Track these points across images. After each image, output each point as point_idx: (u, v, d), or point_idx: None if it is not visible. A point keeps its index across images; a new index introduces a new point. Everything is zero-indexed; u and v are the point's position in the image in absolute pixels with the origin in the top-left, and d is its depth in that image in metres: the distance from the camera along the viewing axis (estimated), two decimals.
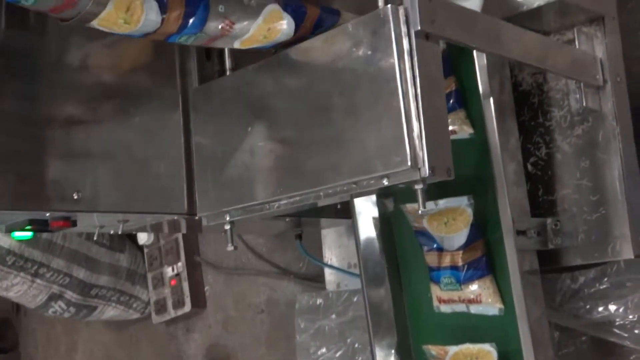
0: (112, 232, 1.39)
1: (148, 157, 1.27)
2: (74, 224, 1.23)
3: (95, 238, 1.88)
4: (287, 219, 1.52)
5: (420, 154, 1.00)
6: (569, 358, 1.54)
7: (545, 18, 1.38)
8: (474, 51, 1.33)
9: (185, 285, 2.41)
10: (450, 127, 1.36)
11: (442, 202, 1.36)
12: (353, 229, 1.57)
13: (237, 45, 1.11)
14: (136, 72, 1.31)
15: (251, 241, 2.28)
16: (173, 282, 2.44)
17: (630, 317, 1.45)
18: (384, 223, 1.54)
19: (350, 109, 1.08)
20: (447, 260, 1.39)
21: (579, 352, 1.54)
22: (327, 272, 1.89)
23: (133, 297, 2.56)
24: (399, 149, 1.00)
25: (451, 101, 1.37)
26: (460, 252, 1.36)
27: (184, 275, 2.42)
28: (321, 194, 1.12)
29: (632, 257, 1.33)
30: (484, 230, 1.36)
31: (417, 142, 1.00)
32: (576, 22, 1.40)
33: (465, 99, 1.38)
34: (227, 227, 1.28)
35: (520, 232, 1.34)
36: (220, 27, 1.06)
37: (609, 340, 1.48)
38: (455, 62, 1.38)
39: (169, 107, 1.32)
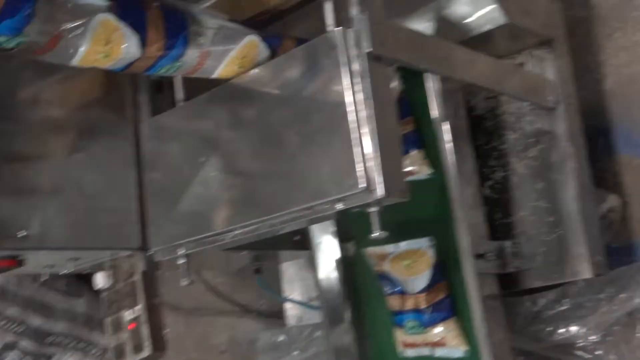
0: (64, 271, 1.34)
1: (98, 191, 1.24)
2: (21, 263, 1.19)
3: (42, 280, 1.82)
4: (244, 252, 1.49)
5: (374, 176, 0.98)
6: None
7: (496, 42, 1.39)
8: (427, 75, 1.34)
9: (145, 329, 2.33)
10: (410, 168, 1.36)
11: (403, 244, 1.35)
12: (312, 261, 1.55)
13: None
14: (86, 105, 1.28)
15: (212, 280, 2.24)
16: (132, 326, 2.37)
17: (592, 338, 1.44)
18: (346, 266, 1.53)
19: (303, 134, 1.06)
20: (410, 304, 1.37)
21: None
22: (288, 307, 1.86)
23: (91, 344, 2.48)
24: (352, 171, 0.99)
25: (410, 142, 1.37)
26: (424, 294, 1.34)
27: (143, 318, 2.34)
28: (276, 221, 1.10)
29: (591, 276, 1.33)
30: (446, 271, 1.35)
31: (370, 164, 0.99)
32: (526, 46, 1.42)
33: (423, 140, 1.37)
34: (182, 260, 1.25)
35: (478, 256, 1.33)
36: (197, 57, 1.05)
37: None
38: (413, 103, 1.38)
39: (120, 140, 1.29)
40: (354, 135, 0.99)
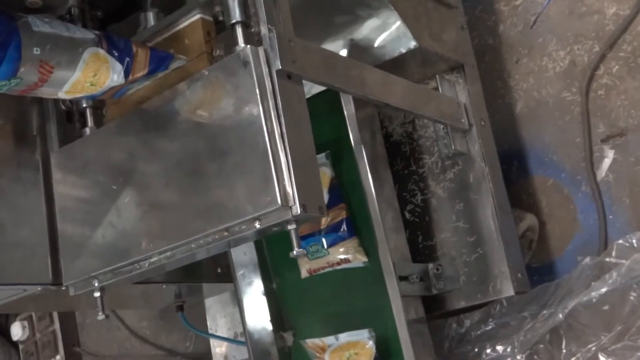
0: None
1: (6, 225, 1.19)
2: None
3: None
4: (164, 286, 1.45)
5: (290, 192, 0.97)
6: None
7: (408, 67, 1.42)
8: (350, 134, 1.35)
9: None
10: (344, 256, 1.37)
11: (343, 336, 1.35)
12: (236, 294, 1.51)
13: (62, 94, 1.07)
14: None
15: (135, 325, 2.17)
16: None
17: (518, 357, 1.44)
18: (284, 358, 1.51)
19: (217, 155, 1.05)
20: None
21: None
22: (214, 345, 1.81)
23: None
24: (268, 189, 0.98)
25: (343, 229, 1.37)
26: None
27: None
28: (193, 245, 1.07)
29: (513, 294, 1.34)
30: None
31: (286, 181, 0.98)
32: (438, 71, 1.44)
33: (357, 227, 1.38)
34: (97, 294, 1.20)
35: (402, 278, 1.33)
36: (37, 72, 1.02)
37: None
38: (345, 188, 1.39)
39: (29, 172, 1.25)
40: (269, 153, 0.98)
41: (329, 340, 1.35)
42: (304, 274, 1.42)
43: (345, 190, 1.39)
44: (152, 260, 1.12)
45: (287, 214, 0.98)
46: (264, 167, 0.98)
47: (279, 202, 0.96)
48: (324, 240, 1.37)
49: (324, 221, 1.37)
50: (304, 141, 1.02)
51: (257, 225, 1.00)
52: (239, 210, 1.01)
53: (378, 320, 1.34)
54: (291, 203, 0.97)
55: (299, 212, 0.97)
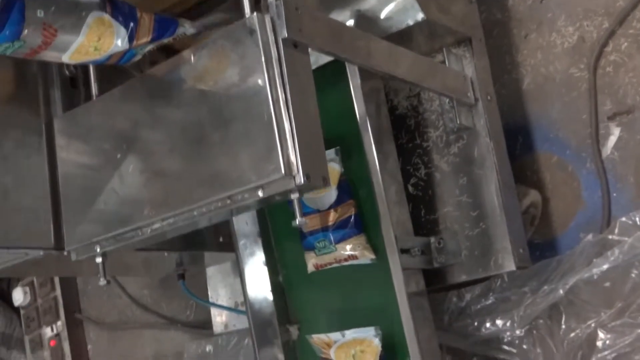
0: None
1: (9, 189, 1.19)
2: None
3: None
4: (166, 253, 1.45)
5: (294, 161, 0.97)
6: None
7: (415, 39, 1.40)
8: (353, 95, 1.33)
9: (66, 346, 2.26)
10: (351, 252, 1.35)
11: (349, 333, 1.34)
12: (237, 264, 1.52)
13: (66, 59, 1.06)
14: None
15: (135, 293, 2.18)
16: (52, 343, 2.29)
17: (517, 332, 1.45)
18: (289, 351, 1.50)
19: (221, 123, 1.04)
20: None
21: None
22: (214, 314, 1.81)
23: None
24: (271, 157, 0.97)
25: (351, 225, 1.36)
26: None
27: (64, 334, 2.27)
28: (195, 212, 1.07)
29: (514, 269, 1.34)
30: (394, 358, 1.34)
31: (290, 150, 0.97)
32: (445, 44, 1.43)
33: (365, 223, 1.37)
34: (99, 260, 1.20)
35: (404, 251, 1.33)
36: (41, 34, 1.01)
37: (500, 358, 1.47)
38: (353, 185, 1.38)
39: (32, 137, 1.25)
40: (273, 121, 0.98)
41: (335, 336, 1.34)
42: (310, 268, 1.41)
43: (355, 186, 1.38)
44: (155, 227, 1.12)
45: (290, 183, 0.97)
46: (268, 135, 0.98)
47: (283, 171, 0.96)
48: (331, 236, 1.36)
49: (332, 217, 1.36)
50: (309, 111, 1.01)
51: (260, 193, 1.00)
52: (242, 179, 1.01)
53: (384, 318, 1.33)
54: (294, 172, 0.97)
55: (302, 181, 0.96)
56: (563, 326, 1.41)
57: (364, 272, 1.37)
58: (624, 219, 1.35)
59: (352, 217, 1.35)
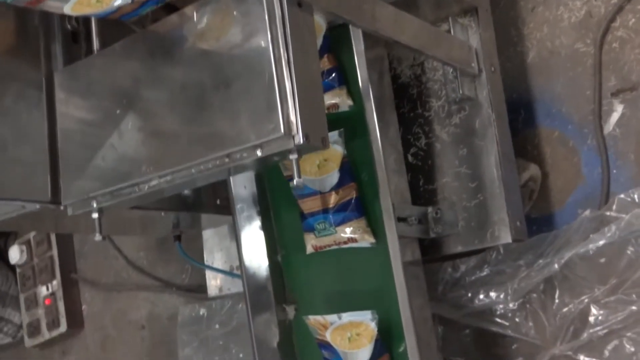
0: None
1: (8, 141, 1.18)
2: None
3: None
4: (163, 213, 1.45)
5: (294, 121, 0.96)
6: (454, 355, 1.53)
7: (422, 7, 1.40)
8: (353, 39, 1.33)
9: (61, 305, 2.27)
10: (351, 235, 1.35)
11: (346, 316, 1.33)
12: (234, 227, 1.52)
13: (67, 9, 1.04)
14: None
15: (132, 255, 2.18)
16: (47, 302, 2.30)
17: (511, 305, 1.45)
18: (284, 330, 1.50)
19: (222, 81, 1.03)
20: None
21: (463, 346, 1.54)
22: (209, 277, 1.82)
23: (3, 320, 2.38)
24: (271, 116, 0.96)
25: (352, 208, 1.35)
26: None
27: (60, 294, 2.28)
28: (193, 170, 1.06)
29: (510, 241, 1.34)
30: (388, 345, 1.34)
31: (290, 109, 0.96)
32: (451, 13, 1.42)
33: (366, 207, 1.36)
34: (95, 215, 1.20)
35: (401, 219, 1.33)
36: None
37: (491, 330, 1.48)
38: (357, 169, 1.37)
39: (32, 90, 1.23)
40: (275, 80, 0.97)
41: (332, 318, 1.33)
42: (309, 249, 1.41)
43: (357, 169, 1.37)
44: (152, 184, 1.12)
45: (289, 143, 0.97)
46: (269, 95, 0.97)
47: (282, 130, 0.95)
48: (332, 218, 1.36)
49: (334, 200, 1.35)
50: (310, 72, 1.00)
51: (259, 153, 1.00)
52: (241, 137, 1.00)
53: (381, 303, 1.33)
54: (294, 132, 0.96)
55: (301, 141, 0.96)
56: (556, 300, 1.42)
57: (363, 256, 1.37)
58: (622, 195, 1.35)
59: (353, 200, 1.35)
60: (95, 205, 1.18)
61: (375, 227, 1.35)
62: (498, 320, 1.47)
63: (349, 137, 1.36)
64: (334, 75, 1.37)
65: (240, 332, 1.86)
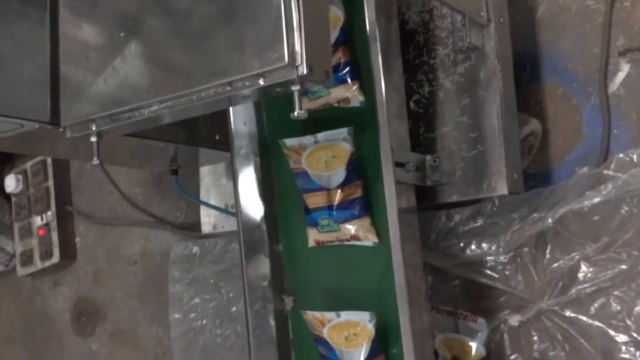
0: None
1: (9, 58, 1.17)
2: None
3: None
4: (162, 144, 1.44)
5: (299, 51, 0.95)
6: (442, 304, 1.54)
7: None
8: None
9: (55, 236, 2.28)
10: (354, 233, 1.35)
11: (344, 314, 1.32)
12: (231, 164, 1.51)
13: None
14: None
15: (128, 190, 2.18)
16: (41, 232, 2.30)
17: (502, 257, 1.46)
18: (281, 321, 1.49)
19: (228, 9, 1.02)
20: None
21: (452, 296, 1.55)
22: (204, 214, 1.82)
23: None
24: (276, 45, 0.96)
25: (357, 207, 1.35)
26: None
27: (54, 225, 2.29)
28: (194, 97, 1.06)
29: (506, 193, 1.34)
30: (385, 346, 1.33)
31: (296, 39, 0.96)
32: None
33: (370, 206, 1.36)
34: (94, 139, 1.19)
35: (398, 165, 1.32)
36: None
37: (480, 282, 1.49)
38: (364, 166, 1.36)
39: (36, 9, 1.22)
40: (280, 9, 0.96)
41: (330, 315, 1.33)
42: (311, 243, 1.41)
43: (364, 166, 1.36)
44: (152, 109, 1.11)
45: (293, 73, 0.96)
46: (275, 23, 0.96)
47: (286, 59, 0.95)
48: (336, 215, 1.36)
49: (339, 197, 1.35)
50: (318, 4, 0.99)
51: (261, 82, 0.99)
52: (244, 65, 0.99)
53: (381, 305, 1.32)
54: (298, 62, 0.95)
55: (305, 72, 0.95)
56: (547, 256, 1.43)
57: (365, 255, 1.37)
58: (621, 155, 1.35)
59: (359, 199, 1.35)
60: (94, 128, 1.18)
61: (379, 227, 1.34)
62: (488, 272, 1.48)
63: (358, 134, 1.34)
64: (347, 69, 1.34)
65: (231, 272, 1.87)
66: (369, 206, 1.35)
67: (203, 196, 1.79)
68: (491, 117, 1.36)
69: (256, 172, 1.51)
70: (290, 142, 1.38)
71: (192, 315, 1.94)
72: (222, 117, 1.49)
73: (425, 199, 1.41)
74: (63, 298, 2.35)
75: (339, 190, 1.35)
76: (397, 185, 1.30)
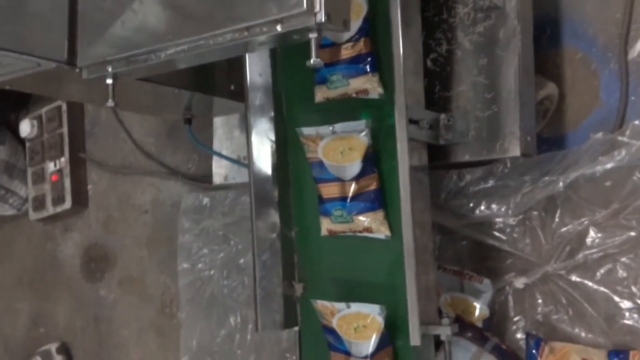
0: None
1: None
2: None
3: None
4: (176, 90, 1.44)
5: None
6: (448, 263, 1.55)
7: None
8: None
9: (67, 182, 2.30)
10: (367, 225, 1.34)
11: (354, 306, 1.32)
12: (245, 115, 1.51)
13: None
14: None
15: (141, 140, 2.19)
16: (54, 178, 2.32)
17: (511, 220, 1.47)
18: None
19: None
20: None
21: (459, 256, 1.56)
22: (215, 165, 1.83)
23: (10, 192, 2.42)
24: None
25: (371, 200, 1.34)
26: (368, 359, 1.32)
27: (67, 171, 2.30)
28: (211, 42, 1.06)
29: (519, 154, 1.34)
30: (393, 338, 1.33)
31: None
32: None
33: (385, 199, 1.34)
34: (109, 81, 1.20)
35: (412, 122, 1.32)
36: None
37: (488, 243, 1.50)
38: (380, 158, 1.35)
39: None
40: None
41: (340, 306, 1.33)
42: (323, 232, 1.41)
43: (380, 159, 1.35)
44: (169, 52, 1.11)
45: (311, 20, 0.96)
46: None
47: (305, 5, 0.95)
48: (349, 207, 1.35)
49: (353, 189, 1.34)
50: None
51: (279, 28, 0.99)
52: (263, 10, 0.99)
53: (391, 298, 1.32)
54: (316, 9, 0.95)
55: (322, 19, 0.95)
56: (556, 220, 1.43)
57: (377, 248, 1.36)
58: (637, 122, 1.34)
59: (373, 192, 1.34)
60: (110, 70, 1.18)
61: (392, 221, 1.33)
62: (496, 233, 1.48)
63: (375, 127, 1.33)
64: (369, 60, 1.32)
65: (241, 224, 1.88)
66: (383, 199, 1.35)
67: (216, 147, 1.80)
68: (508, 78, 1.36)
69: (269, 124, 1.51)
70: (307, 131, 1.38)
71: (200, 265, 1.96)
72: (238, 68, 1.48)
73: (437, 158, 1.41)
74: (73, 244, 2.37)
75: (354, 182, 1.34)
76: (409, 142, 1.29)
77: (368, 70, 1.34)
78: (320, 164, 1.38)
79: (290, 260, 1.51)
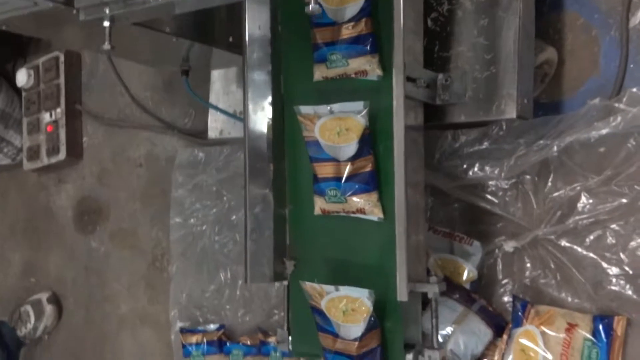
0: None
1: None
2: None
3: None
4: (175, 39, 1.43)
5: None
6: (439, 225, 1.56)
7: None
8: None
9: (62, 133, 2.29)
10: (360, 206, 1.33)
11: (343, 289, 1.31)
12: (242, 68, 1.50)
13: None
14: None
15: (138, 94, 2.18)
16: (49, 129, 2.32)
17: (503, 183, 1.47)
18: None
19: None
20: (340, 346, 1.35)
21: (450, 218, 1.56)
22: (211, 119, 1.82)
23: (4, 141, 2.41)
24: None
25: (366, 181, 1.33)
26: (356, 343, 1.32)
27: (62, 122, 2.30)
28: None
29: (515, 116, 1.34)
30: (381, 320, 1.32)
31: None
32: None
33: (379, 181, 1.33)
34: (106, 23, 1.19)
35: (410, 79, 1.32)
36: None
37: (480, 206, 1.50)
38: (376, 140, 1.33)
39: None
40: None
41: (329, 288, 1.33)
42: (317, 211, 1.40)
43: (376, 141, 1.34)
44: None
45: None
46: None
47: None
48: (344, 187, 1.34)
49: (349, 170, 1.33)
50: None
51: None
52: None
53: (380, 283, 1.32)
54: None
55: None
56: (549, 184, 1.43)
57: (369, 230, 1.35)
58: (634, 89, 1.34)
59: (368, 174, 1.33)
60: (107, 12, 1.18)
61: (386, 204, 1.33)
62: (488, 196, 1.49)
63: (373, 109, 1.32)
64: (369, 40, 1.30)
65: (234, 180, 1.88)
66: (377, 182, 1.34)
67: (212, 101, 1.79)
68: (508, 40, 1.35)
69: (267, 77, 1.50)
70: (305, 109, 1.37)
71: (192, 220, 1.96)
72: (237, 19, 1.47)
73: (433, 118, 1.40)
74: (67, 195, 2.37)
75: (349, 163, 1.33)
76: (406, 100, 1.29)
77: (368, 50, 1.33)
78: (317, 143, 1.37)
79: (282, 239, 1.50)
